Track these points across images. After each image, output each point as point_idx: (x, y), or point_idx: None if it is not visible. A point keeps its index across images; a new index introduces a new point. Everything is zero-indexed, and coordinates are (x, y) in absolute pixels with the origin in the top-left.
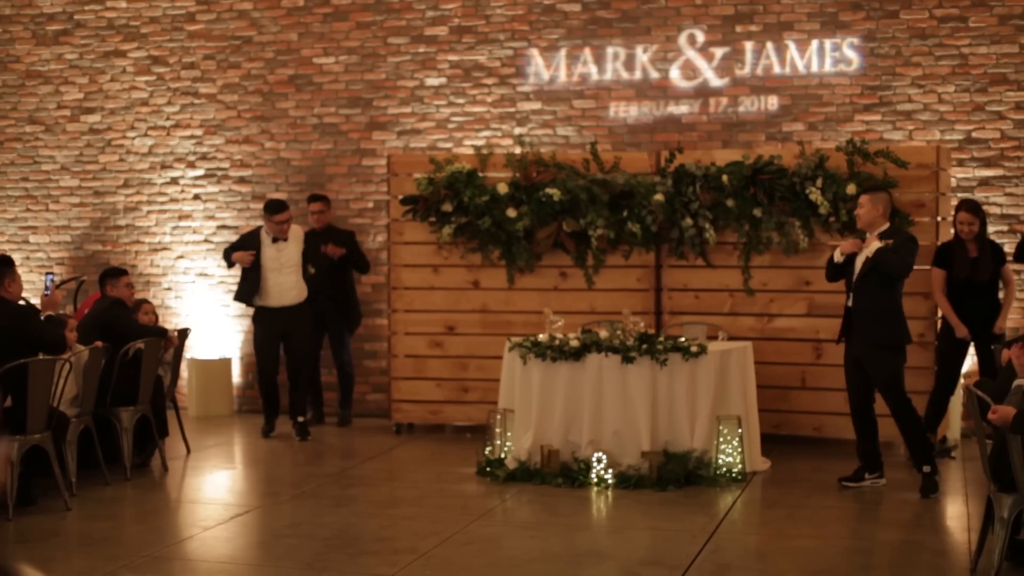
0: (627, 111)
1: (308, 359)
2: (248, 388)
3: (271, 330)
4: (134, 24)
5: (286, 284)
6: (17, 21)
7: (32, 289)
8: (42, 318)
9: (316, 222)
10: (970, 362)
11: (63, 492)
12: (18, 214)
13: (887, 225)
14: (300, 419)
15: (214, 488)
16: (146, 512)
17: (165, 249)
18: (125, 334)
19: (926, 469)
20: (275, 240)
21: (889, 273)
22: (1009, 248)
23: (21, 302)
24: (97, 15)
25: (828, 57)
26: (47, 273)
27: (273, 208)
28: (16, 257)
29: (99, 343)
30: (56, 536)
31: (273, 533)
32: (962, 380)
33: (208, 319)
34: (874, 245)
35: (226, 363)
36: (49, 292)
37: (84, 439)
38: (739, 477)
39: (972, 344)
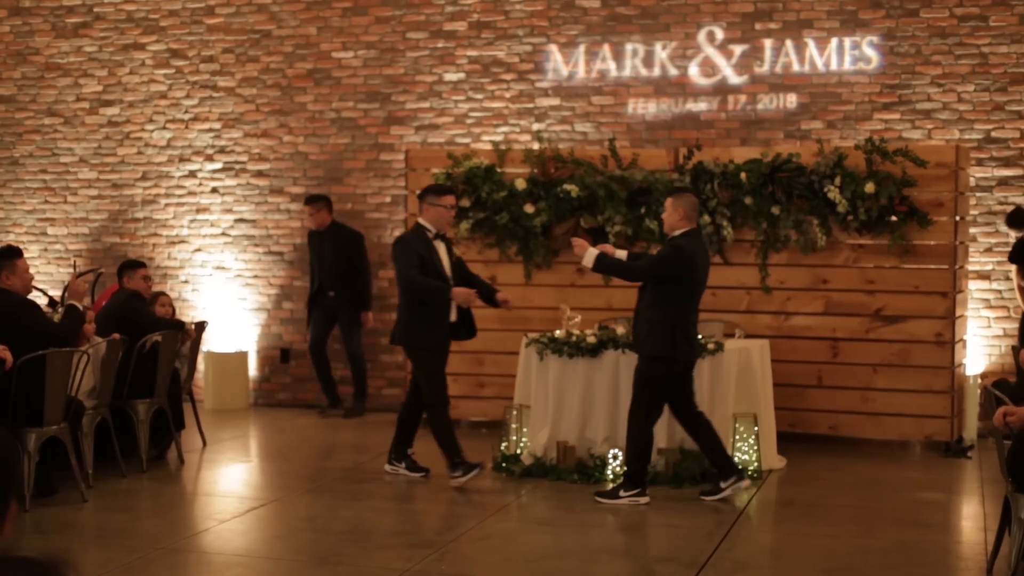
0: (646, 108)
1: None
2: (264, 381)
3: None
4: (153, 17)
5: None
6: (37, 13)
7: (50, 281)
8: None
9: (313, 223)
10: (989, 362)
11: (80, 484)
12: (36, 206)
13: (687, 228)
14: None
15: (230, 481)
16: (162, 504)
17: (183, 242)
18: (142, 326)
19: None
20: (437, 236)
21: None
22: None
23: (42, 295)
24: (117, 8)
25: (847, 55)
26: (73, 262)
27: (440, 190)
28: (34, 249)
29: (116, 335)
30: (72, 527)
31: (289, 527)
32: (979, 380)
33: (225, 312)
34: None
35: (243, 356)
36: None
37: (101, 431)
38: (755, 475)
39: None
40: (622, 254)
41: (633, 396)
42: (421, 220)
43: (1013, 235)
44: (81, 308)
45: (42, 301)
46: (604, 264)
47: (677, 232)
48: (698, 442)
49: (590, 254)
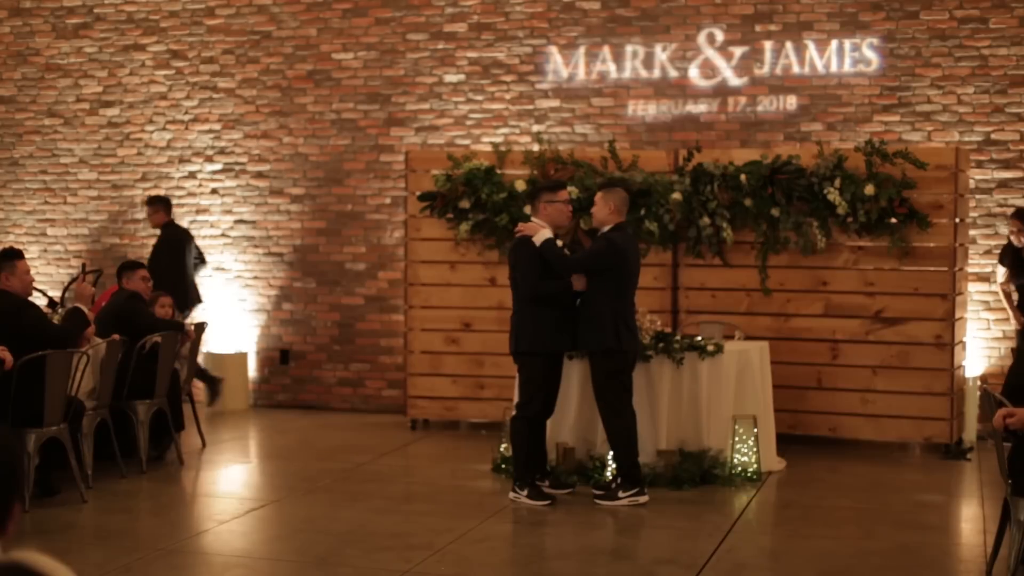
0: (645, 109)
1: None
2: (264, 383)
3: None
4: (153, 18)
5: None
6: (37, 14)
7: (50, 282)
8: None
9: (151, 224)
10: (988, 364)
11: (79, 484)
12: (36, 207)
13: (617, 222)
14: None
15: (229, 482)
16: (161, 505)
17: None
18: (142, 327)
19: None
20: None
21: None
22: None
23: (42, 296)
24: (117, 9)
25: (847, 57)
26: (82, 263)
27: (554, 187)
28: (34, 250)
29: (116, 336)
30: (72, 528)
31: (288, 528)
32: (978, 382)
33: (225, 313)
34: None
35: (242, 357)
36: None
37: (100, 432)
38: (754, 477)
39: None
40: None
41: (598, 398)
42: (536, 221)
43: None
44: (86, 311)
45: (42, 302)
46: (549, 249)
47: (607, 226)
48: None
49: (542, 234)
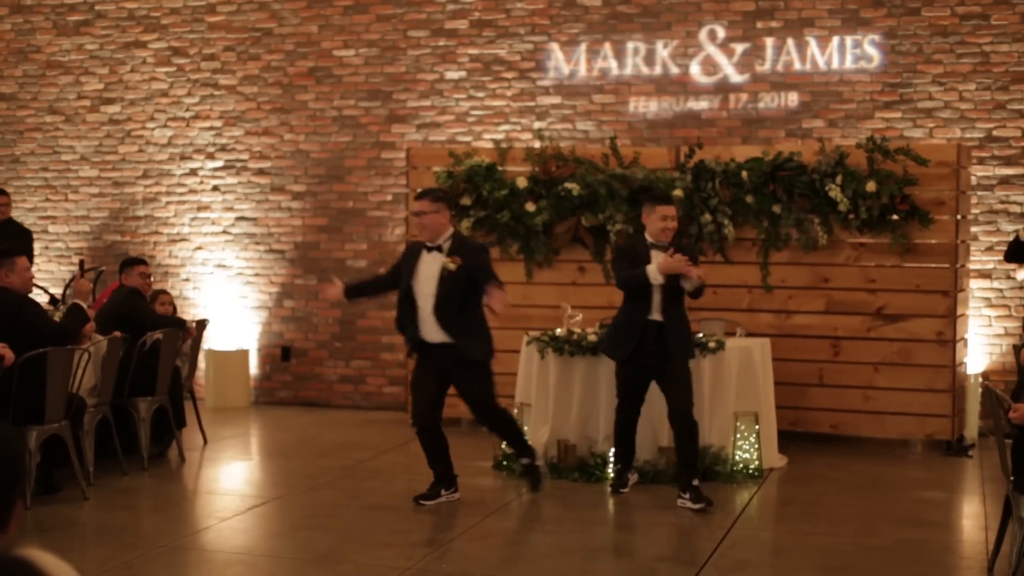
0: (647, 106)
1: None
2: (265, 380)
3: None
4: (155, 15)
5: None
6: (38, 11)
7: (51, 279)
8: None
9: None
10: (990, 361)
11: (80, 481)
12: (37, 204)
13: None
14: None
15: (231, 479)
16: (163, 502)
17: (184, 240)
18: (142, 324)
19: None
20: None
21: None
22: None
23: (43, 293)
24: (118, 6)
25: (849, 54)
26: (81, 261)
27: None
28: (35, 247)
29: (118, 333)
30: (73, 525)
31: (290, 525)
32: (980, 379)
33: (226, 310)
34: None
35: (243, 354)
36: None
37: (102, 429)
38: (756, 474)
39: None
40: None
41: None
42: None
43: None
44: (85, 307)
45: (43, 299)
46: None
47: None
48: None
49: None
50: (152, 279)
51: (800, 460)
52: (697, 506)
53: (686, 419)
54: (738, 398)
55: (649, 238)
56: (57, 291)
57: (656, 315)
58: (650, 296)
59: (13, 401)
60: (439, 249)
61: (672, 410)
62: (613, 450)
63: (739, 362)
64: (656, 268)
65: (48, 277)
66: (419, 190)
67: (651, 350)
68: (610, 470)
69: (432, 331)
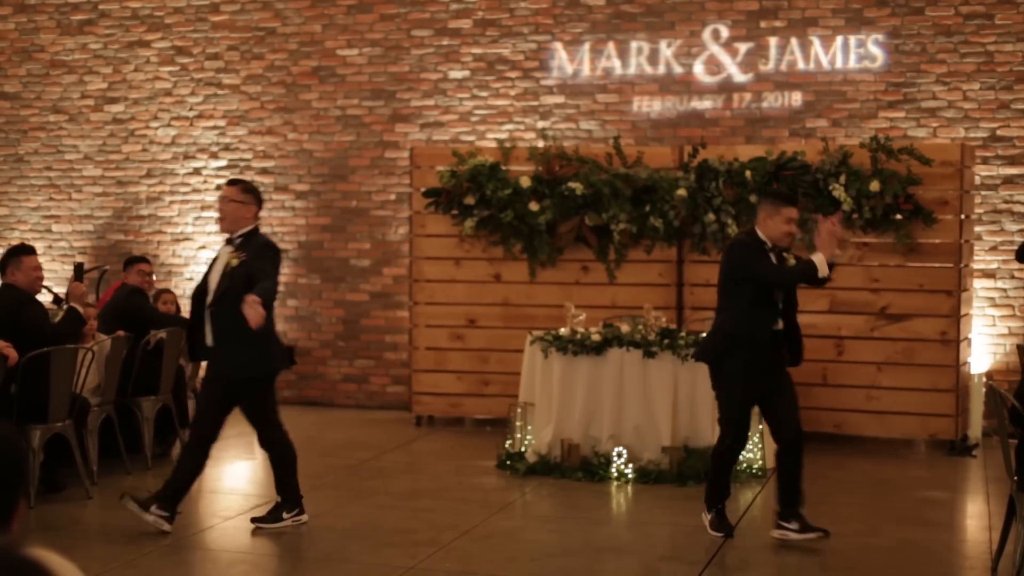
0: (650, 106)
1: None
2: None
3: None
4: (158, 14)
5: None
6: (42, 11)
7: (55, 278)
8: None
9: None
10: (994, 360)
11: (84, 481)
12: (41, 203)
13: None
14: None
15: (234, 478)
16: None
17: (187, 239)
18: (143, 322)
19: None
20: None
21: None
22: None
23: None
24: (122, 5)
25: (852, 53)
26: (77, 263)
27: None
28: (39, 246)
29: (121, 332)
30: (77, 524)
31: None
32: (983, 379)
33: None
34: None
35: None
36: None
37: (105, 428)
38: (759, 473)
39: None
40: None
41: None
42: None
43: None
44: (81, 310)
45: (47, 299)
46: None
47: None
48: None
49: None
50: (153, 277)
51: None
52: (813, 535)
53: (800, 440)
54: None
55: (767, 241)
56: (61, 290)
57: (779, 323)
58: (777, 300)
59: (17, 400)
60: (233, 243)
61: (786, 432)
62: (709, 485)
63: None
64: (823, 257)
65: (52, 276)
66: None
67: (767, 364)
68: (614, 470)
69: (209, 332)
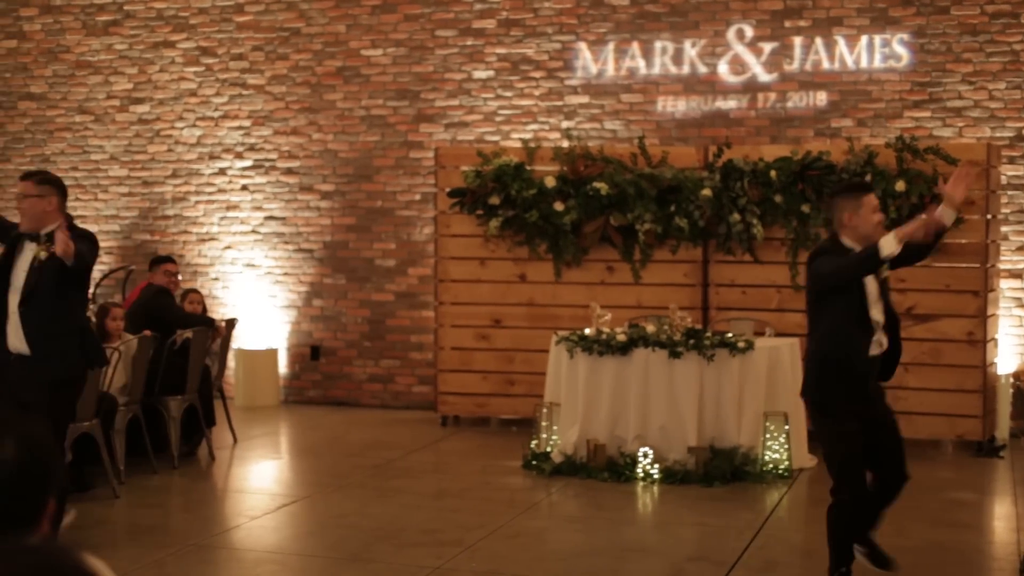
0: (675, 105)
1: None
2: (294, 379)
3: None
4: (183, 15)
5: None
6: (68, 11)
7: None
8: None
9: None
10: (1021, 361)
11: (111, 480)
12: (67, 203)
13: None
14: None
15: (261, 478)
16: (193, 501)
17: (213, 239)
18: (169, 322)
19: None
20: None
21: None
22: None
23: None
24: (147, 6)
25: (878, 53)
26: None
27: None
28: None
29: (147, 332)
30: (104, 524)
31: (320, 523)
32: (1010, 379)
33: (255, 310)
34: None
35: (273, 353)
36: None
37: (132, 427)
38: (786, 474)
39: None
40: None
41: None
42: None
43: None
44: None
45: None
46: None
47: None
48: None
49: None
50: (179, 276)
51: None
52: (875, 568)
53: (905, 482)
54: (767, 398)
55: (853, 244)
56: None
57: (882, 342)
58: (868, 308)
59: None
60: (39, 240)
61: (891, 476)
62: (830, 549)
63: (768, 362)
64: (896, 236)
65: None
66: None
67: (869, 393)
68: (640, 470)
69: (14, 335)
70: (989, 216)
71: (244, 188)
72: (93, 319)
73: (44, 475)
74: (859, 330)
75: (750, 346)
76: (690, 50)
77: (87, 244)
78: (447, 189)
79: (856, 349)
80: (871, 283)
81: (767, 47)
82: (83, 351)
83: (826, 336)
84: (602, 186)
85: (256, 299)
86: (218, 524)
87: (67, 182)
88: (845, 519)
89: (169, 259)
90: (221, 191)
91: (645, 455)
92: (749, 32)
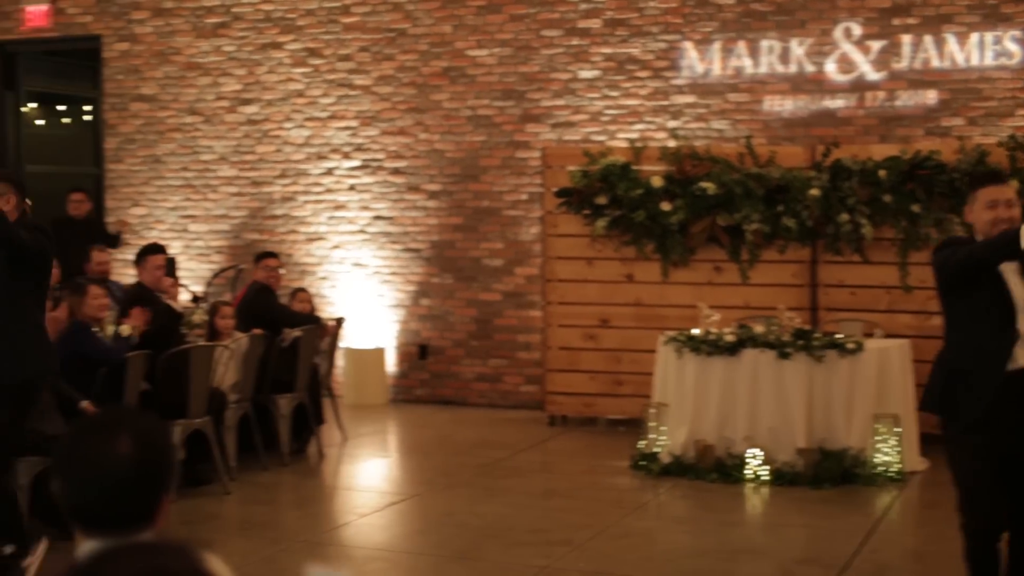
0: (782, 105)
1: None
2: (402, 377)
3: None
4: (290, 17)
5: None
6: (178, 14)
7: (192, 277)
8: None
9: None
10: None
11: (223, 476)
12: (178, 203)
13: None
14: None
15: (369, 476)
16: (303, 498)
17: (320, 239)
18: (273, 320)
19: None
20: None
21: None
22: None
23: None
24: (255, 8)
25: (989, 50)
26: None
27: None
28: (176, 245)
29: (257, 330)
30: (216, 519)
31: (428, 522)
32: None
33: (363, 309)
34: None
35: (380, 352)
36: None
37: (242, 425)
38: (897, 476)
39: None
40: None
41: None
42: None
43: None
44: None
45: (185, 297)
46: None
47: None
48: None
49: None
50: (281, 271)
51: (943, 464)
52: None
53: None
54: (878, 400)
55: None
56: (199, 289)
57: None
58: (1014, 313)
59: (158, 396)
60: None
61: None
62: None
63: (878, 364)
64: None
65: (189, 275)
66: None
67: (1013, 407)
68: (749, 471)
69: None
70: None
71: (352, 188)
72: (206, 317)
73: (161, 472)
74: (998, 338)
75: (860, 347)
76: (797, 49)
77: (39, 228)
78: (554, 189)
79: (990, 353)
80: (1018, 285)
81: (875, 45)
82: (38, 354)
83: (955, 344)
84: (709, 186)
85: (364, 298)
86: (328, 521)
87: (177, 182)
88: (968, 551)
89: (270, 254)
90: (329, 191)
91: (754, 456)
92: (857, 30)
